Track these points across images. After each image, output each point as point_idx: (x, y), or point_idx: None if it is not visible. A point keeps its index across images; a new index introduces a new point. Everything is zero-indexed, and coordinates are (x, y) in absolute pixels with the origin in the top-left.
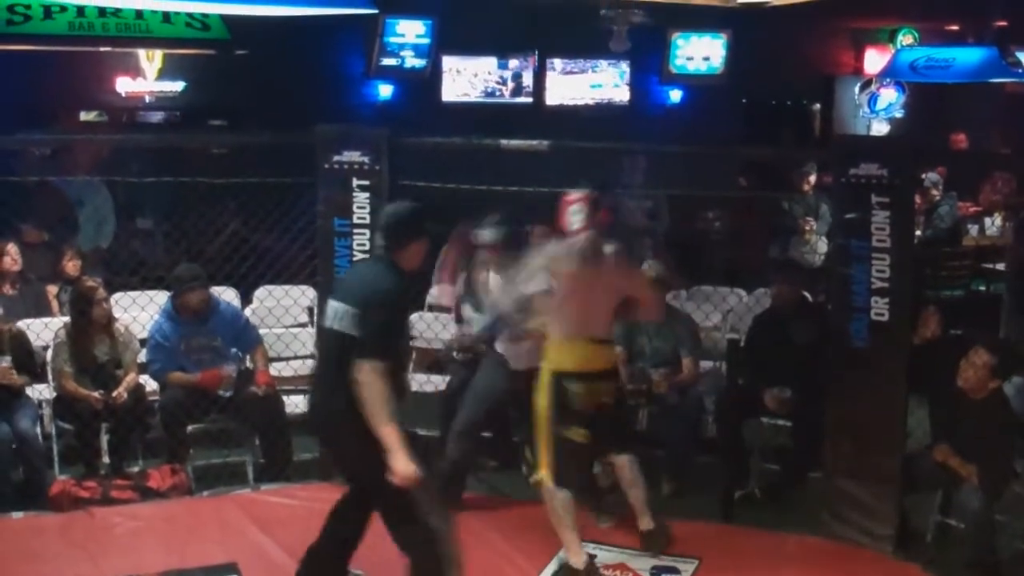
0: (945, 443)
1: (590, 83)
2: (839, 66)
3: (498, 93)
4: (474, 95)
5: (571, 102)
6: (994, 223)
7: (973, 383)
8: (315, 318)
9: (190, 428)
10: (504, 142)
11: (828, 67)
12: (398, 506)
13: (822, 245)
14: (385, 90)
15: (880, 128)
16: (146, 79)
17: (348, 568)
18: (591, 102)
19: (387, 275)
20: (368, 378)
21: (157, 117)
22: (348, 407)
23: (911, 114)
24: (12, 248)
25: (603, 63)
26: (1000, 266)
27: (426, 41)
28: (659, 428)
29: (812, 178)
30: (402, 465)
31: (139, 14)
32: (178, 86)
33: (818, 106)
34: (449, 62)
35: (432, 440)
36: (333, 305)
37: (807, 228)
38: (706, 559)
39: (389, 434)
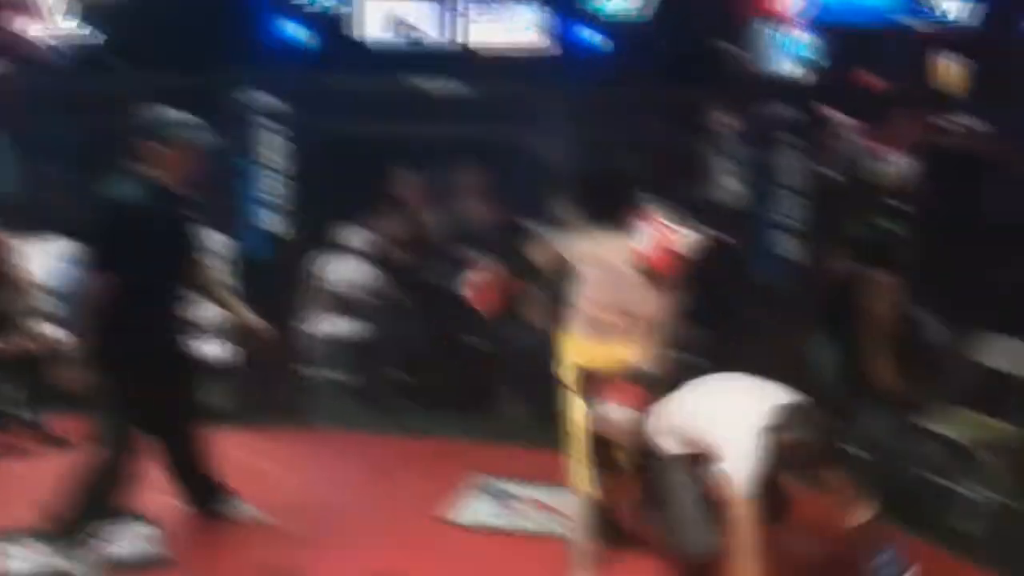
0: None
1: (509, 26)
2: (752, 7)
3: (414, 34)
4: (389, 36)
5: (491, 45)
6: (900, 162)
7: (879, 307)
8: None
9: None
10: (422, 84)
11: (742, 8)
12: None
13: (734, 185)
14: (294, 30)
15: (793, 70)
16: (47, 19)
17: None
18: (511, 45)
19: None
20: None
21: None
22: None
23: (821, 55)
24: None
25: (522, 6)
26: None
27: None
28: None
29: (724, 119)
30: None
31: None
32: (82, 27)
33: (732, 47)
34: (364, 1)
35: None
36: None
37: (718, 169)
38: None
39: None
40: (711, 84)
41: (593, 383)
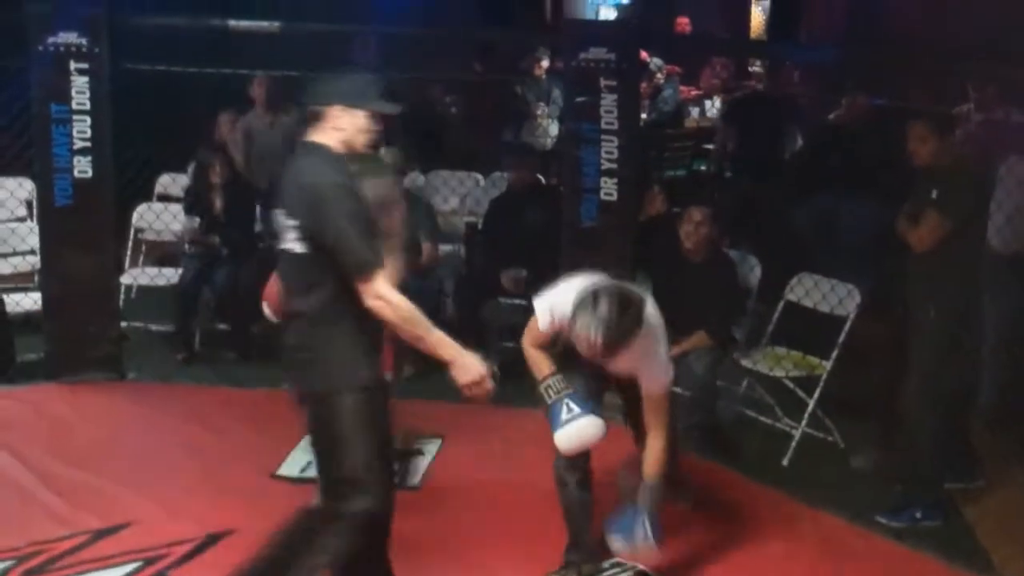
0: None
1: None
2: None
3: None
4: None
5: None
6: (713, 106)
7: (693, 241)
8: (34, 211)
9: None
10: (232, 23)
11: None
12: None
13: (554, 128)
14: None
15: (608, 14)
16: None
17: None
18: None
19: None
20: (383, 297)
21: None
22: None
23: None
24: None
25: None
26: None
27: None
28: None
29: (544, 63)
30: (471, 365)
31: None
32: None
33: None
34: None
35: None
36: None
37: (538, 113)
38: (449, 436)
39: (441, 341)
40: (530, 28)
41: None
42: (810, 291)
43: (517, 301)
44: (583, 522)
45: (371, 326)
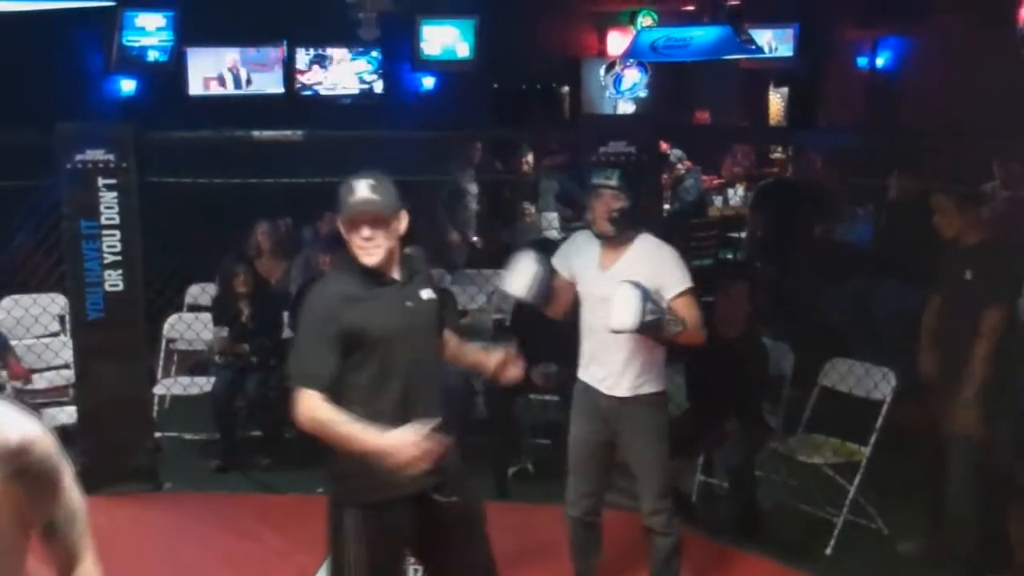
0: (704, 403)
1: (342, 72)
2: (584, 49)
3: (247, 84)
4: (222, 87)
5: (323, 91)
6: (736, 194)
7: (729, 314)
8: (67, 326)
9: None
10: (256, 133)
11: (574, 50)
12: None
13: (547, 219)
14: (128, 85)
15: (626, 108)
16: None
17: None
18: (344, 91)
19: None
20: (299, 409)
21: None
22: None
23: (655, 93)
24: None
25: (353, 52)
26: (744, 234)
27: (167, 34)
28: None
29: (529, 158)
30: (398, 442)
31: None
32: None
33: (566, 88)
34: (194, 54)
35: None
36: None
37: (529, 211)
38: None
39: (364, 436)
40: (545, 123)
41: None
42: (844, 376)
43: (548, 397)
44: (585, 561)
45: None
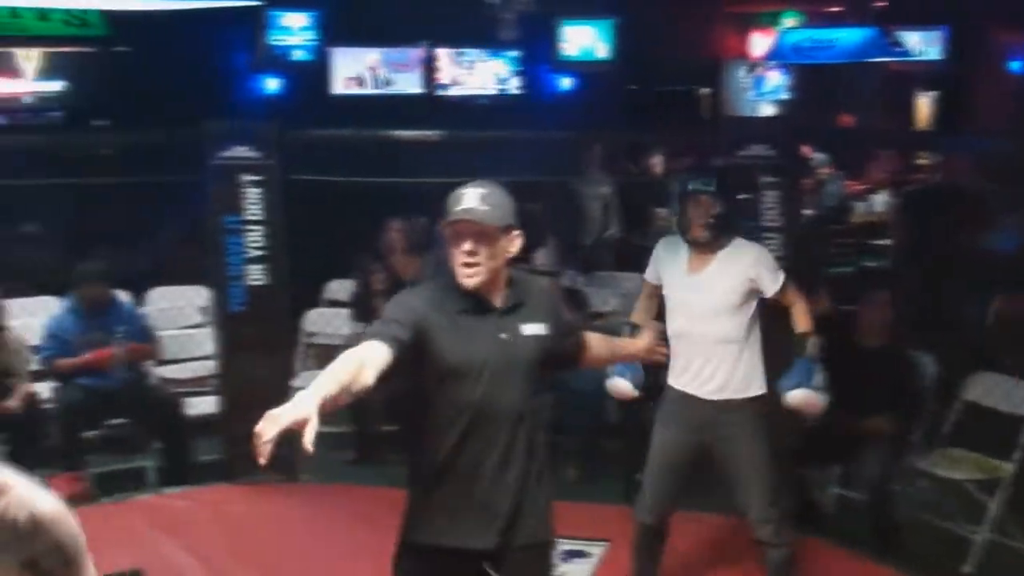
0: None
1: (481, 72)
2: (725, 50)
3: (388, 84)
4: (363, 87)
5: (462, 92)
6: (881, 200)
7: (871, 324)
8: (210, 318)
9: (88, 434)
10: (396, 133)
11: (714, 51)
12: None
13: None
14: (272, 84)
15: (766, 110)
16: (24, 79)
17: None
18: (482, 91)
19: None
20: None
21: (39, 118)
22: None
23: (796, 95)
24: None
25: (493, 52)
26: (888, 242)
27: (312, 33)
28: (563, 413)
29: (657, 160)
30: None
31: (14, 12)
32: (58, 85)
33: (706, 90)
34: (337, 54)
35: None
36: None
37: (661, 216)
38: (615, 541)
39: None
40: (686, 126)
41: None
42: (990, 390)
43: None
44: (649, 568)
45: (435, 479)
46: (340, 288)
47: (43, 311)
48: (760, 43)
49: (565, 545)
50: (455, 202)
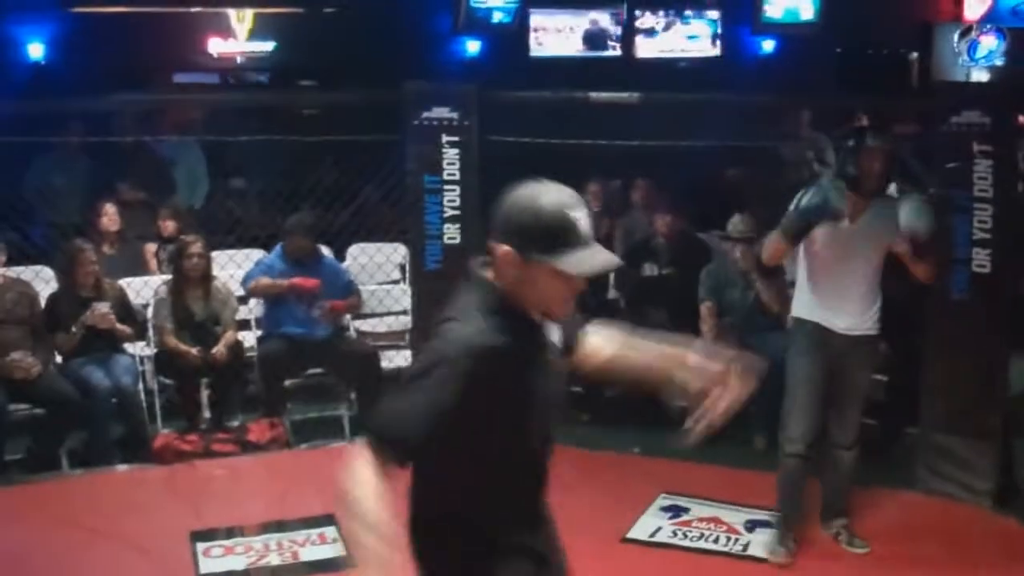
0: None
1: (680, 35)
2: (938, 13)
3: (587, 47)
4: (562, 49)
5: (661, 55)
6: None
7: None
8: (407, 275)
9: (288, 383)
10: (593, 95)
11: (926, 14)
12: None
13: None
14: (472, 46)
15: (980, 76)
16: (237, 39)
17: None
18: (682, 54)
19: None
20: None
21: (249, 77)
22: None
23: (1012, 61)
24: (110, 208)
25: (693, 14)
26: None
27: None
28: None
29: (909, 128)
30: None
31: None
32: (269, 46)
33: (915, 55)
34: (537, 17)
35: None
36: None
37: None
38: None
39: (369, 559)
40: (894, 91)
41: None
42: None
43: (876, 376)
44: (795, 503)
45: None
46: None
47: (248, 263)
48: (975, 5)
49: (750, 515)
50: (580, 240)
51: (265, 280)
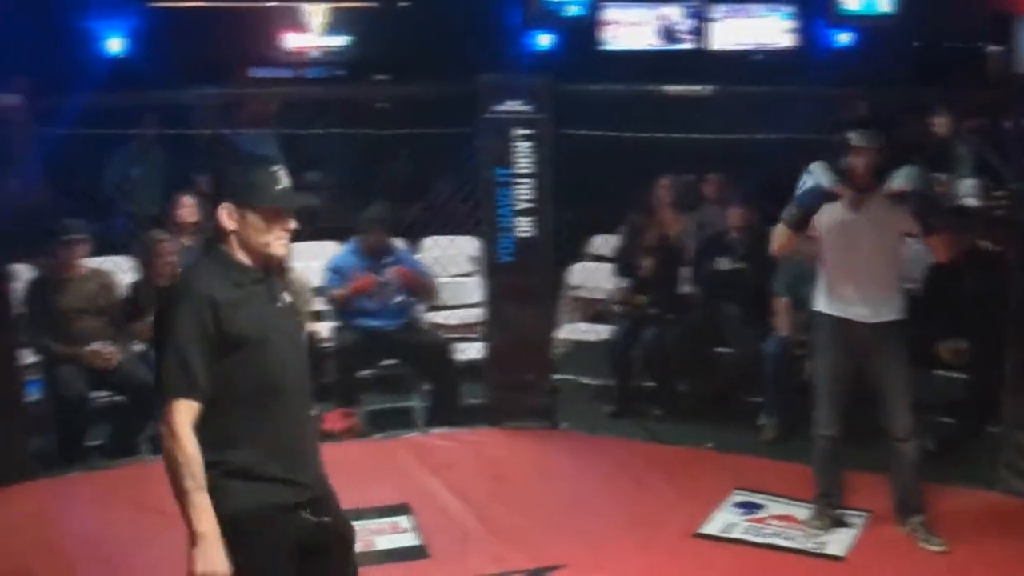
0: None
1: (755, 27)
2: (1016, 5)
3: (661, 40)
4: (635, 43)
5: (736, 47)
6: None
7: None
8: (480, 267)
9: (362, 373)
10: (667, 87)
11: (1006, 6)
12: None
13: (965, 186)
14: (545, 40)
15: None
16: (312, 34)
17: None
18: (757, 46)
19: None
20: (170, 426)
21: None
22: None
23: None
24: (189, 200)
25: (768, 7)
26: None
27: None
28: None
29: (941, 121)
30: (212, 557)
31: None
32: (343, 40)
33: (993, 48)
34: (610, 9)
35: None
36: None
37: (939, 181)
38: (877, 512)
39: (199, 510)
40: (971, 84)
41: None
42: None
43: (955, 374)
44: (832, 480)
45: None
46: (604, 243)
47: (324, 255)
48: None
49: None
50: (275, 181)
51: (338, 292)
